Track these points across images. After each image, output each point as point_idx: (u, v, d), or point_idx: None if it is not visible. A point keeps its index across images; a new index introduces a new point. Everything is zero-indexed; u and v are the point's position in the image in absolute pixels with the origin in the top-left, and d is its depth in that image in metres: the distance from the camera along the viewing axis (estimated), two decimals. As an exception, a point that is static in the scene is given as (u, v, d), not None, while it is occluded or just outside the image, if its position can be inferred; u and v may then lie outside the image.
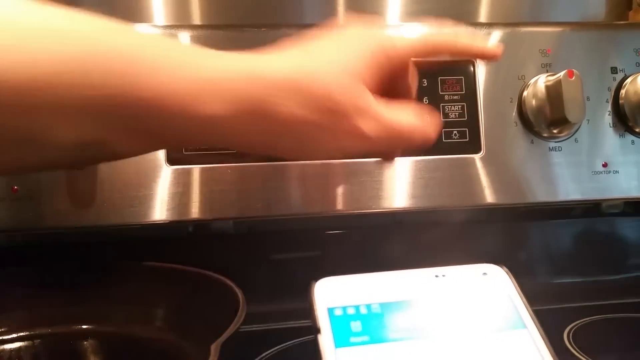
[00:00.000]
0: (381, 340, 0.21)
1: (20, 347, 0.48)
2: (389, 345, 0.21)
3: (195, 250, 0.55)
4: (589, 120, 0.55)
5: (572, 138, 0.54)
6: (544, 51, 0.55)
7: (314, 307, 0.22)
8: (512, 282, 0.24)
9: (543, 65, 0.54)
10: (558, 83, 0.51)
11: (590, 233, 0.65)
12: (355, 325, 0.21)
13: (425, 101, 0.52)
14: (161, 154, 0.49)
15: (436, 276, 0.24)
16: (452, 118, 0.53)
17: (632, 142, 0.55)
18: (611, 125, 0.55)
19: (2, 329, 0.48)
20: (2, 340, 0.48)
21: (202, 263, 0.48)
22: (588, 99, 0.54)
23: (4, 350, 0.47)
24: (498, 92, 0.54)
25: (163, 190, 0.49)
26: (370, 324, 0.22)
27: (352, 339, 0.21)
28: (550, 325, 0.52)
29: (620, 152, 0.55)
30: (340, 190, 0.52)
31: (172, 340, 0.44)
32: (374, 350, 0.21)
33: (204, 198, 0.50)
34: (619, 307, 0.55)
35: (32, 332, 0.49)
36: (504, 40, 0.54)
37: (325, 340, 0.21)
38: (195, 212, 0.50)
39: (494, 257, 0.60)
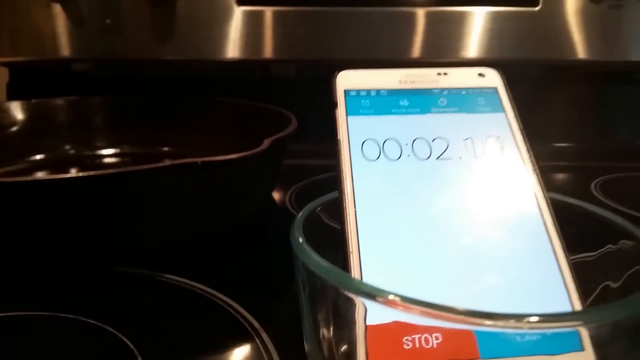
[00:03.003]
0: (384, 113, 0.26)
1: (112, 161, 0.57)
2: (390, 116, 0.26)
3: (260, 91, 0.61)
4: (656, -22, 0.54)
5: (635, -3, 0.54)
6: None
7: (334, 88, 0.27)
8: (504, 81, 0.27)
9: None
10: None
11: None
12: (364, 102, 0.27)
13: (487, -47, 0.53)
14: (232, -5, 0.53)
15: (439, 74, 0.28)
16: (512, -29, 0.54)
17: (700, 3, 0.54)
18: (681, -15, 0.54)
19: (99, 144, 0.57)
20: (99, 154, 0.57)
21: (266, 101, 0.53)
22: (659, -45, 0.53)
23: (100, 160, 0.56)
24: (563, -54, 0.54)
25: (234, 30, 0.55)
26: (376, 102, 0.27)
27: (361, 111, 0.26)
28: (579, 179, 0.54)
29: (686, 13, 0.54)
30: (409, 38, 0.55)
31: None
32: (378, 119, 0.26)
33: (273, 39, 0.55)
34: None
35: (121, 150, 0.58)
36: None
37: (340, 111, 0.26)
38: (263, 52, 0.55)
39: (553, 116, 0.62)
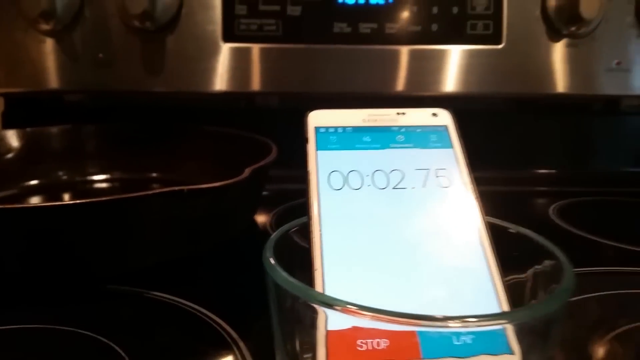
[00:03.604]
0: (349, 148, 0.30)
1: (103, 186, 0.60)
2: (354, 151, 0.30)
3: (244, 120, 0.64)
4: (609, 19, 0.59)
5: (590, 36, 0.59)
6: (573, -49, 0.58)
7: (306, 126, 0.31)
8: (454, 120, 0.31)
9: (570, -35, 0.58)
10: (577, -18, 0.55)
11: (605, 129, 0.70)
12: (332, 138, 0.30)
13: (454, -5, 0.58)
14: (218, 32, 0.57)
15: (397, 113, 0.32)
16: (478, 11, 0.58)
17: (649, 42, 0.59)
18: (631, 26, 0.59)
19: (91, 170, 0.60)
20: (91, 179, 0.60)
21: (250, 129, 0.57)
22: (611, -1, 0.58)
23: (92, 186, 0.60)
24: (524, -11, 0.59)
25: (220, 64, 0.58)
26: (342, 138, 0.30)
27: (329, 146, 0.30)
28: (539, 205, 0.58)
29: (635, 52, 0.59)
30: (386, 73, 0.59)
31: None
32: (343, 154, 0.30)
33: (257, 73, 0.59)
34: (610, 193, 0.62)
35: (111, 176, 0.61)
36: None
37: (310, 146, 0.30)
38: (247, 84, 0.59)
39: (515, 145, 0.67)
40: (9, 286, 0.36)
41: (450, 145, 0.30)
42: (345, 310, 0.21)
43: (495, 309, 0.24)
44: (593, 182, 0.63)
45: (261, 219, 0.52)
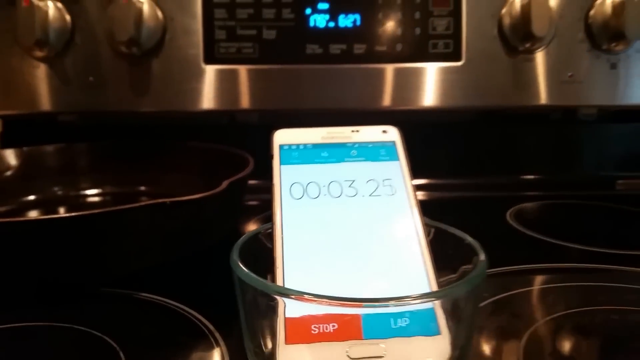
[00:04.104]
0: (309, 162, 0.34)
1: (95, 200, 0.64)
2: (313, 165, 0.34)
3: (226, 136, 0.69)
4: (561, 36, 0.64)
5: (544, 51, 0.64)
6: (525, -26, 0.63)
7: (272, 144, 0.35)
8: (401, 136, 0.36)
9: (523, -13, 0.63)
10: (529, 1, 0.60)
11: (559, 137, 0.75)
12: (294, 154, 0.35)
13: (417, 16, 0.63)
14: (200, 55, 0.62)
15: (352, 131, 0.36)
16: (439, 31, 0.63)
17: (597, 57, 0.64)
18: (581, 42, 0.64)
19: (84, 185, 0.64)
20: (84, 194, 0.64)
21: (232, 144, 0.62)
22: (562, 17, 0.63)
23: (85, 200, 0.64)
24: (482, 10, 0.64)
25: (202, 85, 0.63)
26: (303, 154, 0.35)
27: (291, 161, 0.34)
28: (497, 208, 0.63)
29: (586, 66, 0.64)
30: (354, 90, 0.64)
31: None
32: (303, 167, 0.34)
33: (238, 92, 0.63)
34: (563, 197, 0.67)
35: (103, 190, 0.65)
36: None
37: (275, 162, 0.34)
38: (229, 103, 0.64)
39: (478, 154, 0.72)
40: (8, 290, 0.40)
41: (397, 158, 0.35)
42: (299, 298, 0.26)
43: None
44: (550, 187, 0.68)
45: (242, 226, 0.56)
